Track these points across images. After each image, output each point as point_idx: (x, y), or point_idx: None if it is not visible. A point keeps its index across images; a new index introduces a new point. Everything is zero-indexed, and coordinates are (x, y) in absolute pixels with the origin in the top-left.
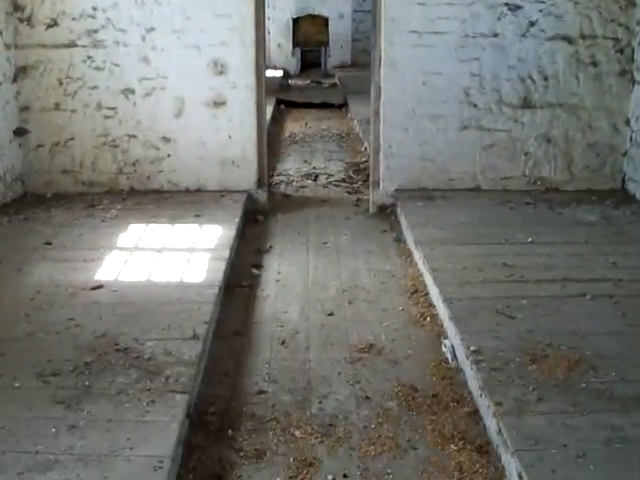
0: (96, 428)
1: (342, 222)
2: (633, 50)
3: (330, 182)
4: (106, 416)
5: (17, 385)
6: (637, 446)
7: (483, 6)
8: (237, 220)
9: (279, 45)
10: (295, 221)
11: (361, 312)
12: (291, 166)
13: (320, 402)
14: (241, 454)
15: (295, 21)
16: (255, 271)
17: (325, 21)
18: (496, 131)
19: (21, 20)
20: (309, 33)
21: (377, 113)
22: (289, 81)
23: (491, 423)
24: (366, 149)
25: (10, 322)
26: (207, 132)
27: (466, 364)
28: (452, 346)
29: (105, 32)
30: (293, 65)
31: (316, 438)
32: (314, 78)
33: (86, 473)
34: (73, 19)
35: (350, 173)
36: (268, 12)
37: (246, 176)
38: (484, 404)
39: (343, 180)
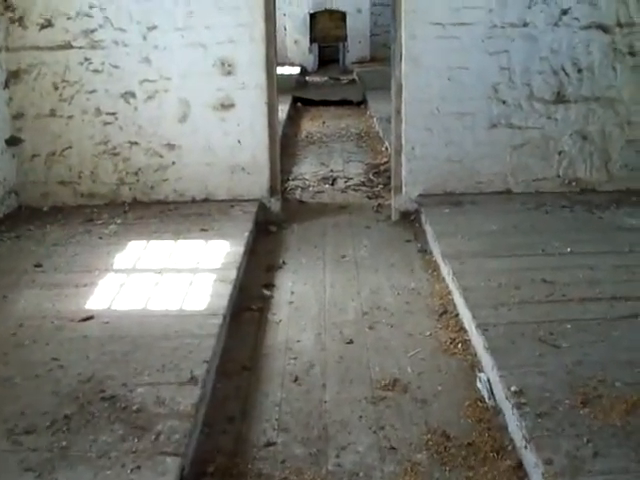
0: None
1: (362, 231)
2: None
3: (349, 186)
4: None
5: None
6: None
7: None
8: (247, 234)
9: (296, 41)
10: (311, 231)
11: (384, 339)
12: (307, 169)
13: (338, 455)
14: None
15: (312, 16)
16: (266, 292)
17: (343, 16)
18: (527, 129)
19: (12, 21)
20: (326, 28)
21: (398, 112)
22: (306, 78)
23: None
24: (387, 149)
25: None
26: (215, 137)
27: (507, 406)
28: (488, 380)
29: (103, 32)
30: (310, 61)
31: None
32: (332, 75)
33: None
34: (68, 18)
35: (370, 176)
36: (284, 8)
37: (258, 183)
38: (530, 459)
39: (363, 184)
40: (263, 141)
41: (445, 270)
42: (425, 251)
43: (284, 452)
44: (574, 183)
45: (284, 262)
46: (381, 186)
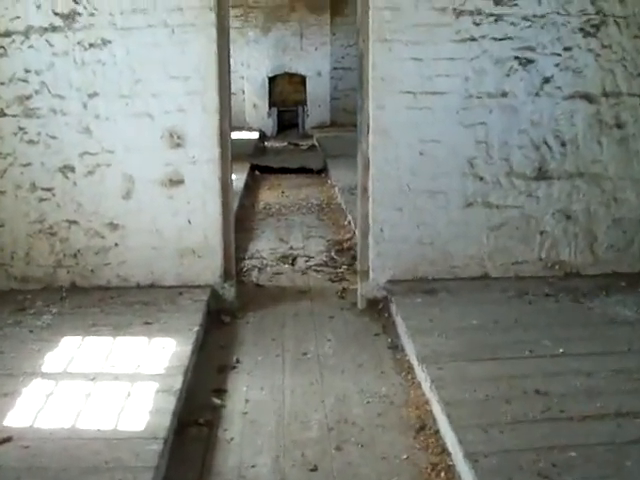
0: None
1: (325, 322)
2: None
3: (310, 267)
4: None
5: None
6: None
7: (489, 61)
8: (196, 329)
9: (254, 105)
10: (268, 322)
11: (353, 464)
12: (265, 246)
13: None
14: None
15: (271, 80)
16: (216, 400)
17: (303, 79)
18: (506, 208)
19: None
20: (286, 92)
21: (365, 189)
22: (265, 143)
23: None
24: (350, 223)
25: None
26: (162, 216)
27: None
28: None
29: (40, 99)
30: (269, 126)
31: None
32: (292, 140)
33: None
34: (1, 84)
35: (333, 254)
36: (242, 71)
37: (210, 268)
38: None
39: (325, 263)
40: (216, 221)
41: (422, 376)
42: (396, 347)
43: None
44: (557, 266)
45: (238, 360)
46: (345, 267)
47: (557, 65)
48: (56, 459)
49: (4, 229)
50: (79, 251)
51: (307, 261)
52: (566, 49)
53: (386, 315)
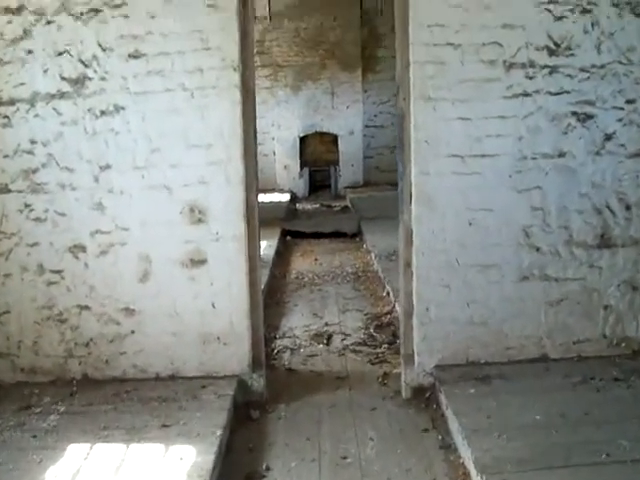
0: None
1: (366, 416)
2: None
3: (347, 346)
4: None
5: None
6: None
7: (544, 118)
8: (219, 433)
9: (285, 166)
10: (302, 416)
11: None
12: (298, 322)
13: None
14: None
15: (302, 140)
16: None
17: (334, 138)
18: (566, 281)
19: None
20: (317, 152)
21: (408, 264)
22: (297, 205)
23: None
24: (388, 294)
25: None
26: (183, 300)
27: None
28: None
29: (47, 172)
30: (301, 187)
31: None
32: (324, 201)
33: None
34: (5, 156)
35: (372, 330)
36: (273, 132)
37: (236, 356)
38: None
39: (363, 342)
40: (242, 304)
41: None
42: (449, 447)
43: None
44: (624, 344)
45: (268, 468)
46: (386, 346)
47: (620, 120)
48: None
49: (10, 315)
50: (92, 339)
51: (344, 339)
52: (629, 102)
53: (434, 407)
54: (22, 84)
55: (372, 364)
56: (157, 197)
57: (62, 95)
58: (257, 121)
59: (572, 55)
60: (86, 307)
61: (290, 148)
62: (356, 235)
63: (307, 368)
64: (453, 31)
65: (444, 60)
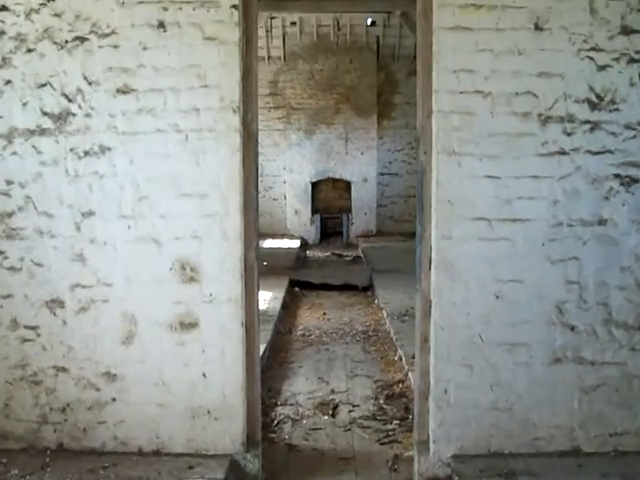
0: None
1: None
2: None
3: (354, 420)
4: None
5: None
6: None
7: (583, 180)
8: None
9: (296, 212)
10: None
11: None
12: (302, 387)
13: None
14: None
15: (314, 185)
16: None
17: (347, 185)
18: (603, 365)
19: None
20: (330, 198)
21: (425, 340)
22: (307, 252)
23: None
24: (400, 359)
25: None
26: (170, 367)
27: None
28: None
29: (24, 216)
30: (312, 234)
31: None
32: (335, 250)
33: None
34: None
35: (382, 402)
36: (284, 175)
37: (228, 433)
38: None
39: (373, 416)
40: (237, 375)
41: None
42: None
43: None
44: None
45: None
46: (397, 422)
47: None
48: None
49: None
50: (69, 405)
51: (351, 411)
52: None
53: None
54: None
55: (382, 444)
56: (144, 251)
57: (42, 132)
58: (268, 164)
59: (616, 110)
60: (63, 369)
61: (302, 193)
62: (367, 289)
63: (309, 444)
64: (482, 78)
65: (471, 110)
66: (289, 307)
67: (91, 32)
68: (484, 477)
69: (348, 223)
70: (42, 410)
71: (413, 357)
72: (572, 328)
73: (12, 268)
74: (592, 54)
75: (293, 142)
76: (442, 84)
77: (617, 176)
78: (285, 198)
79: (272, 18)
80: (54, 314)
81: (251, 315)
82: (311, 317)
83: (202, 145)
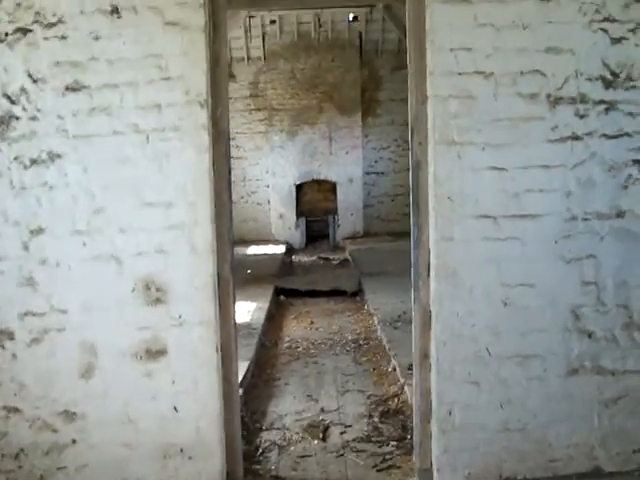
0: None
1: None
2: None
3: (347, 443)
4: None
5: None
6: None
7: (599, 167)
8: None
9: (280, 216)
10: None
11: None
12: (289, 408)
13: None
14: None
15: (299, 188)
16: None
17: (333, 186)
18: (625, 374)
19: None
20: (315, 200)
21: (425, 356)
22: (292, 257)
23: None
24: (395, 369)
25: None
26: (137, 402)
27: None
28: None
29: None
30: (297, 238)
31: None
32: (321, 253)
33: None
34: None
35: (377, 420)
36: (267, 179)
37: (205, 472)
38: None
39: (367, 437)
40: (212, 407)
41: None
42: None
43: None
44: None
45: None
46: (394, 443)
47: None
48: None
49: None
50: (23, 450)
51: (343, 432)
52: None
53: None
54: None
55: (378, 470)
56: (103, 270)
57: None
58: (250, 168)
59: (634, 88)
60: (15, 409)
61: (286, 196)
62: (356, 294)
63: (298, 475)
64: (483, 56)
65: (472, 93)
66: (274, 317)
67: (35, 22)
68: None
69: (334, 225)
70: None
71: (409, 368)
72: (590, 335)
73: None
74: (605, 25)
75: (276, 144)
76: (438, 65)
77: (636, 162)
78: (269, 202)
79: (251, 17)
80: (2, 347)
81: (227, 338)
82: (298, 327)
83: (165, 147)
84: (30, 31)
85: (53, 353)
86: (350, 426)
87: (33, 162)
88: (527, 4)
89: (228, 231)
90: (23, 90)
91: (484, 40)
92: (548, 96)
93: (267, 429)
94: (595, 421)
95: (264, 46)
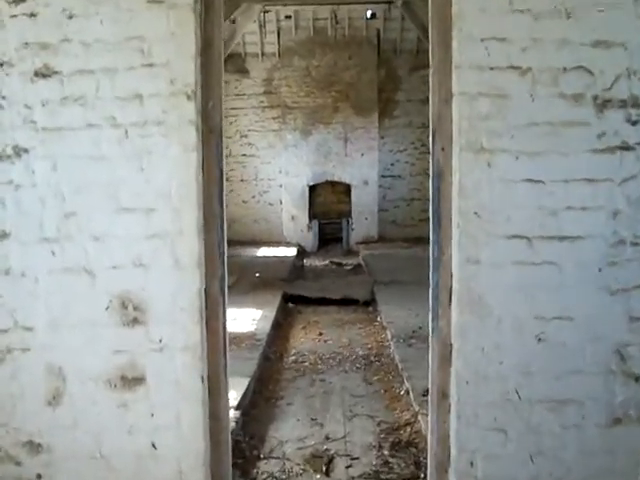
0: None
1: None
2: None
3: (353, 479)
4: None
5: None
6: None
7: None
8: None
9: (293, 217)
10: None
11: None
12: (291, 433)
13: None
14: None
15: (312, 189)
16: None
17: (347, 188)
18: None
19: None
20: (328, 202)
21: (444, 395)
22: (304, 261)
23: None
24: (408, 393)
25: None
26: (110, 435)
27: None
28: None
29: None
30: (309, 241)
31: None
32: (334, 258)
33: None
34: None
35: (386, 452)
36: (280, 178)
37: None
38: None
39: (376, 474)
40: (198, 445)
41: None
42: None
43: None
44: None
45: None
46: None
47: None
48: None
49: None
50: None
51: (349, 466)
52: None
53: None
54: None
55: None
56: (73, 284)
57: None
58: (263, 167)
59: None
60: None
61: (298, 197)
62: (369, 303)
63: None
64: (519, 48)
65: (505, 92)
66: (281, 327)
67: None
68: None
69: (348, 229)
70: None
71: (424, 394)
72: (637, 379)
73: None
74: None
75: (289, 143)
76: (466, 57)
77: None
78: (281, 203)
79: (265, 12)
80: None
81: (215, 367)
82: (306, 338)
83: (146, 143)
84: None
85: (16, 376)
86: (357, 459)
87: None
88: None
89: (219, 243)
90: None
91: (520, 29)
92: (595, 98)
93: (265, 458)
94: None
95: (279, 42)
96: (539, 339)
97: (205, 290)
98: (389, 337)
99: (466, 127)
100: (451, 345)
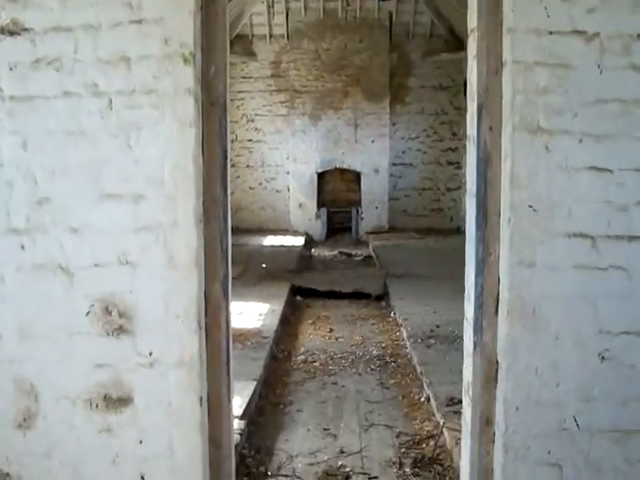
0: None
1: None
2: None
3: None
4: None
5: None
6: None
7: None
8: None
9: (300, 205)
10: None
11: None
12: (301, 445)
13: None
14: None
15: (320, 176)
16: None
17: (357, 176)
18: None
19: None
20: (337, 190)
21: (488, 422)
22: (312, 250)
23: None
24: (429, 399)
25: None
26: (91, 465)
27: None
28: None
29: None
30: (318, 229)
31: None
32: (343, 248)
33: None
34: None
35: (408, 470)
36: (287, 165)
37: None
38: None
39: None
40: (194, 477)
41: None
42: None
43: None
44: None
45: None
46: None
47: None
48: None
49: None
50: None
51: None
52: None
53: None
54: None
55: None
56: (47, 284)
57: None
58: (270, 153)
59: None
60: None
61: (307, 185)
62: (381, 297)
63: None
64: (584, 9)
65: (568, 61)
66: (289, 322)
67: None
68: None
69: (357, 218)
70: None
71: (448, 404)
72: None
73: None
74: None
75: (297, 128)
76: (521, 18)
77: None
78: (289, 190)
79: None
80: None
81: (217, 386)
82: (315, 335)
83: (135, 116)
84: None
85: None
86: (376, 478)
87: None
88: None
89: (221, 237)
90: None
91: None
92: None
93: (274, 475)
94: None
95: (287, 23)
96: (603, 357)
97: (205, 293)
98: (405, 336)
99: (520, 102)
100: (498, 363)
